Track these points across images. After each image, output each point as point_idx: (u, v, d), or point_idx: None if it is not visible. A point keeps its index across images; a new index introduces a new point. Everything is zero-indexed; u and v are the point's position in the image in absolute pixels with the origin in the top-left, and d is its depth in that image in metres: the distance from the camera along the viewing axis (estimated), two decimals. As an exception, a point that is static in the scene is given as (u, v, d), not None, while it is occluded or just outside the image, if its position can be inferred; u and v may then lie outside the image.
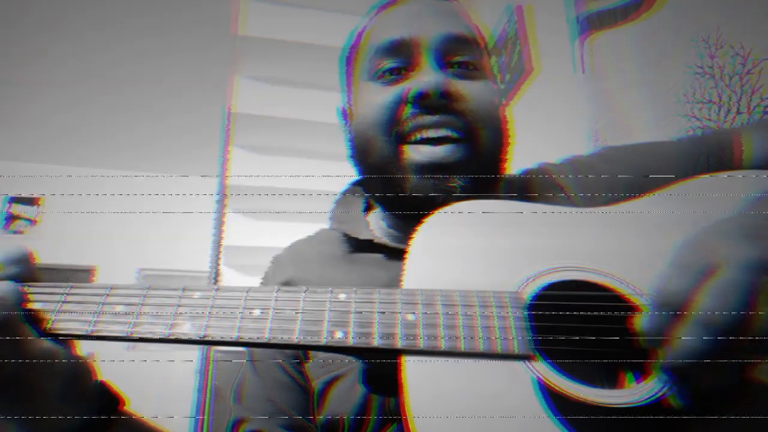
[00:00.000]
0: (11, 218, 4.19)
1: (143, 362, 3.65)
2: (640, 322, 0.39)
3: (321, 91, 2.58)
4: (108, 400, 0.49)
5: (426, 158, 0.59)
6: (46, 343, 0.42)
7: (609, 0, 1.32)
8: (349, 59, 0.71)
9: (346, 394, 0.56)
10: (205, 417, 2.01)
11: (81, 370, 0.46)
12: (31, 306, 0.42)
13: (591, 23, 1.38)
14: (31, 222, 4.21)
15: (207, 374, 2.11)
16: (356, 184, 0.77)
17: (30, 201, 4.26)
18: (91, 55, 3.06)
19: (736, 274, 0.35)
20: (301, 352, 0.63)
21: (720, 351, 0.34)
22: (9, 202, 4.22)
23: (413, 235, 0.50)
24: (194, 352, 2.27)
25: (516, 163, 0.70)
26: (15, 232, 4.15)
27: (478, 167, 0.61)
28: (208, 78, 3.15)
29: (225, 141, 2.40)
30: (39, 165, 4.34)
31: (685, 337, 0.35)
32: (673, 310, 0.36)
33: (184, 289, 0.43)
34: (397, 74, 0.63)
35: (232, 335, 0.41)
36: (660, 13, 1.15)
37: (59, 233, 4.11)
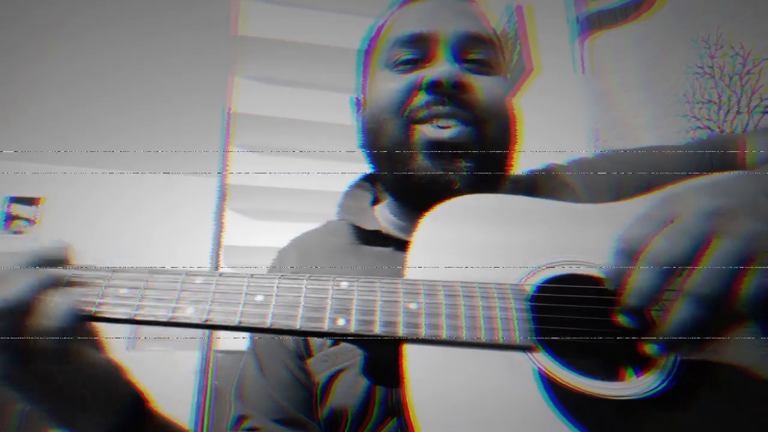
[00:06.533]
0: (11, 218, 4.18)
1: (143, 362, 3.63)
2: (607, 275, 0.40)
3: (321, 91, 2.58)
4: (137, 399, 0.51)
5: (435, 135, 0.60)
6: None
7: (609, 0, 1.33)
8: (368, 51, 0.72)
9: (349, 387, 0.56)
10: (205, 417, 2.00)
11: (114, 368, 0.49)
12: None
13: (591, 23, 1.38)
14: (31, 222, 4.20)
15: (207, 374, 2.10)
16: (365, 179, 0.78)
17: (30, 201, 4.25)
18: (91, 55, 3.06)
19: (692, 220, 0.36)
20: (303, 348, 0.63)
21: (664, 287, 0.35)
22: (9, 202, 4.21)
23: (416, 227, 0.50)
24: (194, 352, 2.26)
25: (518, 163, 0.70)
26: (15, 232, 4.14)
27: (485, 155, 0.62)
28: (208, 78, 3.14)
29: (225, 141, 2.40)
30: (39, 165, 4.33)
31: (637, 274, 0.36)
32: (630, 254, 0.38)
33: (186, 274, 0.43)
34: (413, 65, 0.65)
35: (235, 320, 0.41)
36: (660, 13, 1.15)
37: (59, 233, 4.10)
